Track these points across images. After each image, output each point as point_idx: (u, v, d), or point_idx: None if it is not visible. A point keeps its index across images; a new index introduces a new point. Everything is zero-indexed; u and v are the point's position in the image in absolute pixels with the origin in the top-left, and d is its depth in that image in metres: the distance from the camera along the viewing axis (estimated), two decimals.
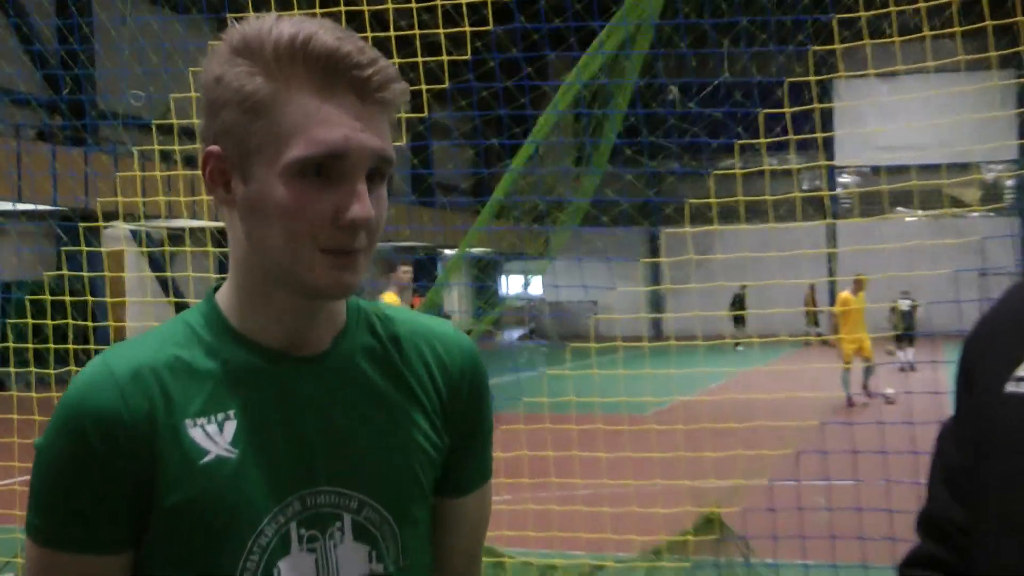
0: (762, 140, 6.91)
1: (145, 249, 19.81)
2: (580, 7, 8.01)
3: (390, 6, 7.18)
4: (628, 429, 7.72)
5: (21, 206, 21.58)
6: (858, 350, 18.25)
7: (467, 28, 7.11)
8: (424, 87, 6.99)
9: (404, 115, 6.81)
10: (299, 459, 1.56)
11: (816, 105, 7.01)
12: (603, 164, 8.07)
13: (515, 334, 46.78)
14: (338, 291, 1.51)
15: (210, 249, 11.73)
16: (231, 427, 1.53)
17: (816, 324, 34.40)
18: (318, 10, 7.04)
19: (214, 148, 1.51)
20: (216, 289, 1.65)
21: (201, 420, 1.52)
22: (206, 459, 1.51)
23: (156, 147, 7.95)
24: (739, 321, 33.40)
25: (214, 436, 1.52)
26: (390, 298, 13.01)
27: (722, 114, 8.63)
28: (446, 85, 7.42)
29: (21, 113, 24.33)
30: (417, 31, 7.14)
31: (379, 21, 7.23)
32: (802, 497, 6.90)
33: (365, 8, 7.12)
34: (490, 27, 7.23)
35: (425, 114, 6.71)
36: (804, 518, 6.92)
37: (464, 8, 7.03)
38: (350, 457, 1.59)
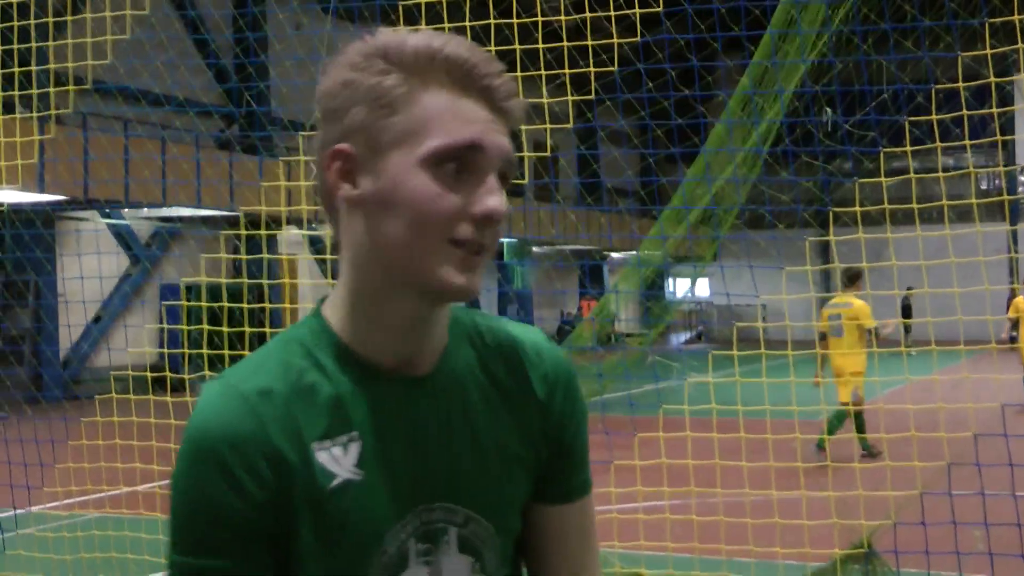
0: (967, 141, 6.62)
1: (314, 256, 20.33)
2: (757, 13, 7.84)
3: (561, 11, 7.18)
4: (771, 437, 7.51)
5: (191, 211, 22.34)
6: None
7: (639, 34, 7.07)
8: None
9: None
10: (417, 477, 1.58)
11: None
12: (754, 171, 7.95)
13: (682, 338, 46.41)
14: (463, 293, 1.51)
15: None
16: (355, 449, 1.55)
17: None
18: (492, 21, 7.04)
19: (344, 146, 1.52)
20: (323, 300, 1.65)
21: (327, 443, 1.53)
22: (335, 483, 1.52)
23: (302, 158, 8.02)
24: (907, 328, 32.41)
25: (340, 459, 1.53)
26: (860, 303, 12.85)
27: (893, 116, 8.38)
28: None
29: (202, 123, 25.19)
30: (590, 41, 7.13)
31: (545, 25, 7.22)
32: (990, 509, 6.56)
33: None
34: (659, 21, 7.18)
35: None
36: (964, 533, 6.61)
37: (637, 17, 6.95)
38: (458, 473, 1.61)
